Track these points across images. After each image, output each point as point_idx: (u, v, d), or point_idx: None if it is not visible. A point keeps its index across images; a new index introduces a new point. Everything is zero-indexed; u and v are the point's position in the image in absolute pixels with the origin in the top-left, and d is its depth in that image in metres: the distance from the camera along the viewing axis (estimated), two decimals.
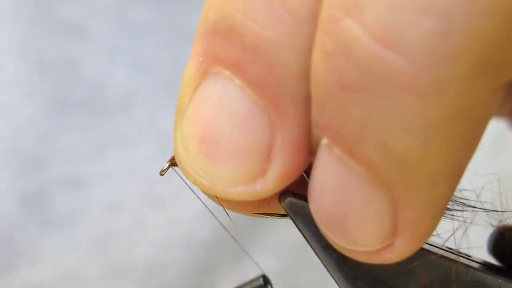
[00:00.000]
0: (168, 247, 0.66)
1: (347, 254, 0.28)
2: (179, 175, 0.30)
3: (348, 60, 0.23)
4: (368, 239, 0.27)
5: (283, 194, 0.32)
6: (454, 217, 0.31)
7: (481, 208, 0.31)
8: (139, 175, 0.65)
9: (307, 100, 0.26)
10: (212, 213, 0.35)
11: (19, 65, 0.65)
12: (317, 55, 0.25)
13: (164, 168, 0.32)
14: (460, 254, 0.32)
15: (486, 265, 0.32)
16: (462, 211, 0.31)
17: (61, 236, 0.65)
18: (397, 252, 0.27)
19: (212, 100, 0.27)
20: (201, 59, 0.27)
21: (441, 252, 0.31)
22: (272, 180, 0.28)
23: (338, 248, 0.28)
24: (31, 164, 0.65)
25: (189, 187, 0.30)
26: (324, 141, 0.26)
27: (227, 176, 0.28)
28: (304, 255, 0.67)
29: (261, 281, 0.36)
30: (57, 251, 0.65)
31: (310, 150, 0.27)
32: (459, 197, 0.32)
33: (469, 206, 0.31)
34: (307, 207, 0.31)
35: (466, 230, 0.31)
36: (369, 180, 0.25)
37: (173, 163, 0.32)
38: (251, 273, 0.67)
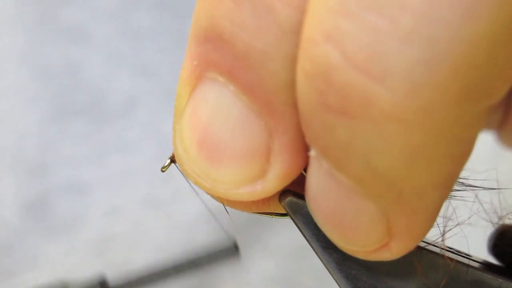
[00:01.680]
0: (168, 250, 0.66)
1: (346, 251, 0.28)
2: (180, 172, 0.31)
3: (328, 84, 0.23)
4: (364, 241, 0.27)
5: (283, 193, 0.32)
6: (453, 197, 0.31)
7: (479, 187, 0.31)
8: (140, 179, 0.66)
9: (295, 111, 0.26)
10: (214, 215, 0.35)
11: (21, 71, 0.65)
12: (299, 73, 0.24)
13: (165, 164, 0.32)
14: (460, 254, 0.32)
15: (486, 265, 0.32)
16: (462, 190, 0.31)
17: (63, 241, 0.65)
18: (394, 251, 0.27)
19: (208, 104, 0.27)
20: (195, 62, 0.27)
21: (441, 251, 0.31)
22: (273, 180, 0.28)
23: (337, 246, 0.29)
24: (33, 170, 0.65)
25: (191, 186, 0.30)
26: (313, 153, 0.26)
27: (228, 178, 0.28)
28: (304, 259, 0.67)
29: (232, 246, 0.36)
30: (59, 256, 0.65)
31: (308, 148, 0.27)
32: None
33: (468, 185, 0.31)
34: (307, 207, 0.31)
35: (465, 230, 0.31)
36: (359, 193, 0.25)
37: (174, 159, 0.32)
38: (251, 275, 0.68)
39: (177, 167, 0.31)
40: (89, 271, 0.64)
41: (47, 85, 0.64)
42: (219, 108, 0.27)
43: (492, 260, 0.33)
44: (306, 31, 0.24)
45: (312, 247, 0.32)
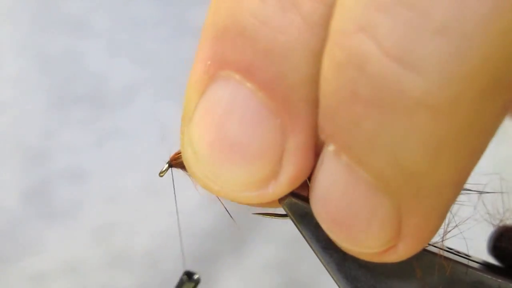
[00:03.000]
0: (168, 236, 0.66)
1: (351, 253, 0.28)
2: (186, 174, 0.31)
3: (361, 74, 0.23)
4: (372, 242, 0.27)
5: None
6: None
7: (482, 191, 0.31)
8: (140, 166, 0.66)
9: (316, 103, 0.26)
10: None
11: (22, 61, 0.65)
12: (328, 64, 0.24)
13: (163, 169, 0.32)
14: (460, 254, 0.32)
15: (486, 265, 0.32)
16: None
17: (63, 227, 0.65)
18: (400, 254, 0.27)
19: (222, 104, 0.27)
20: (209, 62, 0.27)
21: (441, 252, 0.31)
22: (284, 183, 0.28)
23: (341, 248, 0.28)
24: (33, 157, 0.65)
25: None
26: (331, 148, 0.26)
27: (238, 180, 0.27)
28: (304, 246, 0.67)
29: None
30: (59, 242, 0.65)
31: (317, 149, 0.27)
32: None
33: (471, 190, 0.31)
34: (307, 208, 0.31)
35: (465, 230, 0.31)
36: (377, 188, 0.25)
37: (171, 164, 0.32)
38: (251, 261, 0.68)
39: (181, 171, 0.31)
40: (88, 252, 0.65)
41: (48, 74, 0.64)
42: (233, 107, 0.26)
43: (492, 260, 0.33)
44: (337, 23, 0.24)
45: (312, 248, 0.32)
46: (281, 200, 0.32)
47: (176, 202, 0.30)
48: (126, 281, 0.66)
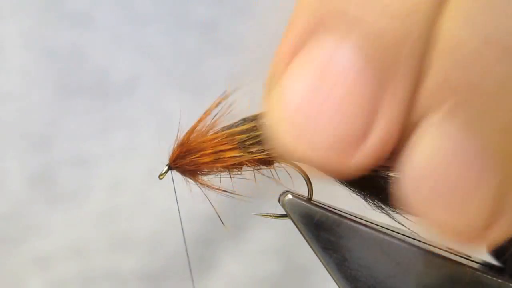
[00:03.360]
0: (170, 220, 0.67)
1: (444, 236, 0.26)
2: (184, 177, 0.30)
3: (499, 17, 0.23)
4: (471, 219, 0.25)
5: (282, 193, 0.32)
6: None
7: None
8: (142, 154, 0.66)
9: (420, 65, 0.25)
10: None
11: (27, 53, 0.65)
12: (461, 12, 0.23)
13: (163, 171, 0.32)
14: (460, 254, 0.32)
15: (486, 265, 0.32)
16: None
17: (67, 211, 0.66)
18: (496, 234, 0.26)
19: (320, 59, 0.26)
20: (310, 19, 0.26)
21: (441, 252, 0.31)
22: (371, 147, 0.26)
23: (431, 230, 0.26)
24: (39, 145, 0.65)
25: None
26: (445, 109, 0.24)
27: (328, 135, 0.26)
28: None
29: None
30: (64, 225, 0.66)
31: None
32: None
33: None
34: (308, 208, 0.31)
35: None
36: (489, 155, 0.24)
37: (171, 166, 0.32)
38: (251, 246, 0.68)
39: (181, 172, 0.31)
40: (93, 236, 0.65)
41: (52, 65, 0.64)
42: (332, 62, 0.25)
43: (492, 260, 0.33)
44: None
45: (311, 247, 0.32)
46: (280, 199, 0.32)
47: (177, 202, 0.30)
48: (129, 264, 0.67)
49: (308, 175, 0.32)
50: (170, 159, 0.32)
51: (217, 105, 0.32)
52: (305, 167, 0.32)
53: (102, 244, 0.67)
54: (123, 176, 0.67)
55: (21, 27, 0.65)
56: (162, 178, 0.32)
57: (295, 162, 0.32)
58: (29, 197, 0.66)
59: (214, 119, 0.32)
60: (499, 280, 0.31)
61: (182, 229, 0.36)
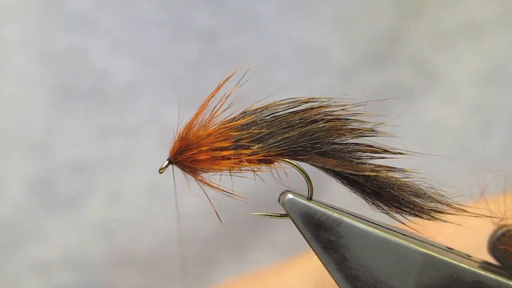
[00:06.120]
0: (171, 238, 0.66)
1: None
2: (185, 173, 0.30)
3: None
4: None
5: (282, 192, 0.32)
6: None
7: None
8: (141, 162, 0.66)
9: None
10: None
11: (28, 57, 0.65)
12: None
13: (163, 166, 0.32)
14: (460, 254, 0.32)
15: (486, 265, 0.32)
16: None
17: (66, 218, 0.65)
18: None
19: None
20: None
21: (441, 252, 0.31)
22: None
23: None
24: (38, 151, 0.65)
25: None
26: None
27: None
28: (302, 249, 0.66)
29: None
30: (62, 232, 0.65)
31: None
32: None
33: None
34: (308, 208, 0.31)
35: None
36: None
37: (171, 161, 0.32)
38: (249, 266, 0.68)
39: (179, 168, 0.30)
40: (92, 246, 0.65)
41: (53, 70, 0.64)
42: None
43: (492, 260, 0.33)
44: None
45: (312, 247, 0.31)
46: (281, 199, 0.32)
47: (176, 202, 0.30)
48: (130, 280, 0.66)
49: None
50: (170, 153, 0.32)
51: (212, 96, 0.32)
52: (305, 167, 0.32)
53: (100, 253, 0.67)
54: (121, 185, 0.67)
55: (22, 33, 0.65)
56: (162, 172, 0.32)
57: (295, 162, 0.32)
58: (28, 203, 0.66)
59: (213, 111, 0.32)
60: (499, 280, 0.31)
61: (179, 231, 0.36)
